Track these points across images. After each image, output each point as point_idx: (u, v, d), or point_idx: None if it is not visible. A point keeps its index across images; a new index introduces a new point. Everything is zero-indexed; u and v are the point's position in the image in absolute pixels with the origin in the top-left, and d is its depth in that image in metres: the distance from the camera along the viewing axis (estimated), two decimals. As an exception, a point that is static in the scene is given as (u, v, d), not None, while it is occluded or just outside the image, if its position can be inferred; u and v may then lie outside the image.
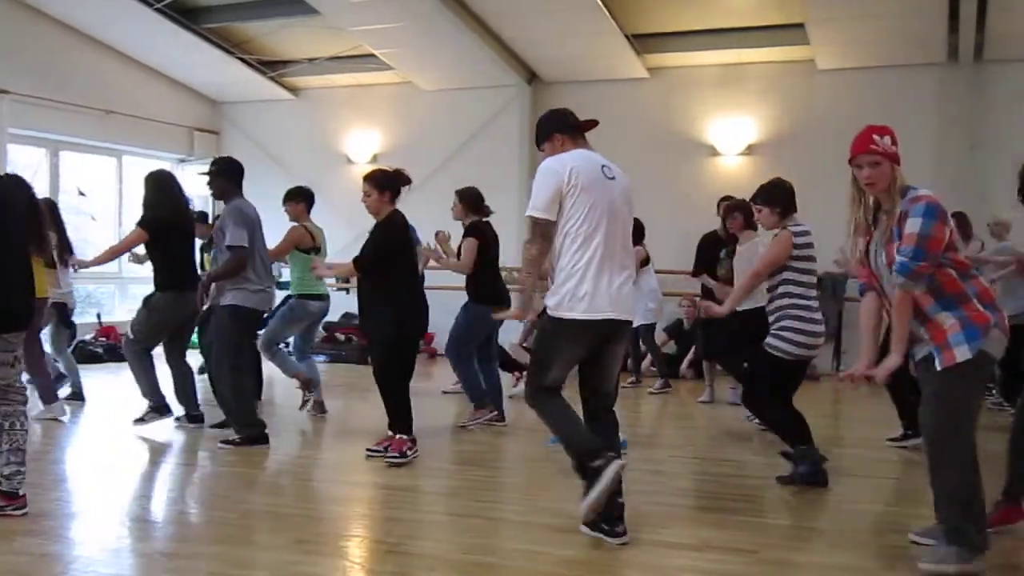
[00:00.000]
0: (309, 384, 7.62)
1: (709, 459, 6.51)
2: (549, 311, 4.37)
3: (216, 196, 6.96)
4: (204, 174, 6.82)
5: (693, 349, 10.52)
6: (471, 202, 7.41)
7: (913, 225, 3.78)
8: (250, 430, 6.53)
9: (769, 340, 5.60)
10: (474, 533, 4.60)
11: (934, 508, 3.97)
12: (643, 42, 11.96)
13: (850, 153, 3.95)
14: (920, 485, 5.64)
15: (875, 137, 3.93)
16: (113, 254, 7.45)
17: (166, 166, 14.42)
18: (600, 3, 10.73)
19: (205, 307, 6.95)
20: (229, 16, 12.38)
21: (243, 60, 13.17)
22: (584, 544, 4.34)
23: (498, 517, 4.86)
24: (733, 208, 7.34)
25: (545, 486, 5.66)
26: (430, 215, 8.72)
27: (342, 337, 12.60)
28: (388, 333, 6.05)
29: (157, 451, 6.61)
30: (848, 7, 10.15)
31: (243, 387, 6.74)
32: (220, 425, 6.88)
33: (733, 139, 12.03)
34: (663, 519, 4.77)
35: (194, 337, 10.33)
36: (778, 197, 5.76)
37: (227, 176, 6.74)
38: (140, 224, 6.87)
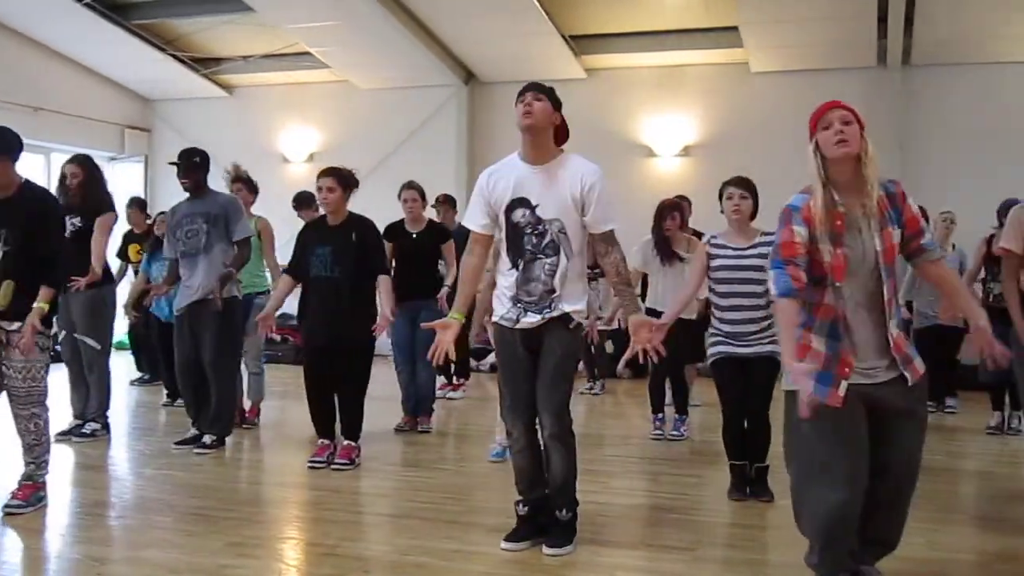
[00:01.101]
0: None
1: (647, 459, 6.55)
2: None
3: (191, 189, 6.56)
4: (181, 164, 6.54)
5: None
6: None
7: (914, 205, 3.46)
8: (227, 428, 6.57)
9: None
10: (411, 534, 4.57)
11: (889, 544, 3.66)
12: (581, 43, 12.02)
13: (813, 120, 3.47)
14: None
15: (840, 102, 3.49)
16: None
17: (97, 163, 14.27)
18: (537, 4, 10.75)
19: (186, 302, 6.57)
20: (161, 12, 12.17)
21: (175, 57, 12.95)
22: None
23: (435, 518, 4.83)
24: (671, 208, 7.01)
25: (482, 486, 5.66)
26: (367, 212, 8.63)
27: (278, 338, 12.44)
28: (371, 341, 6.07)
29: (86, 456, 6.47)
30: (780, 11, 10.31)
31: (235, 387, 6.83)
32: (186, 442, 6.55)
33: (670, 140, 12.14)
34: (601, 518, 4.78)
35: (124, 339, 10.19)
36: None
37: (207, 170, 6.64)
38: (110, 209, 6.80)
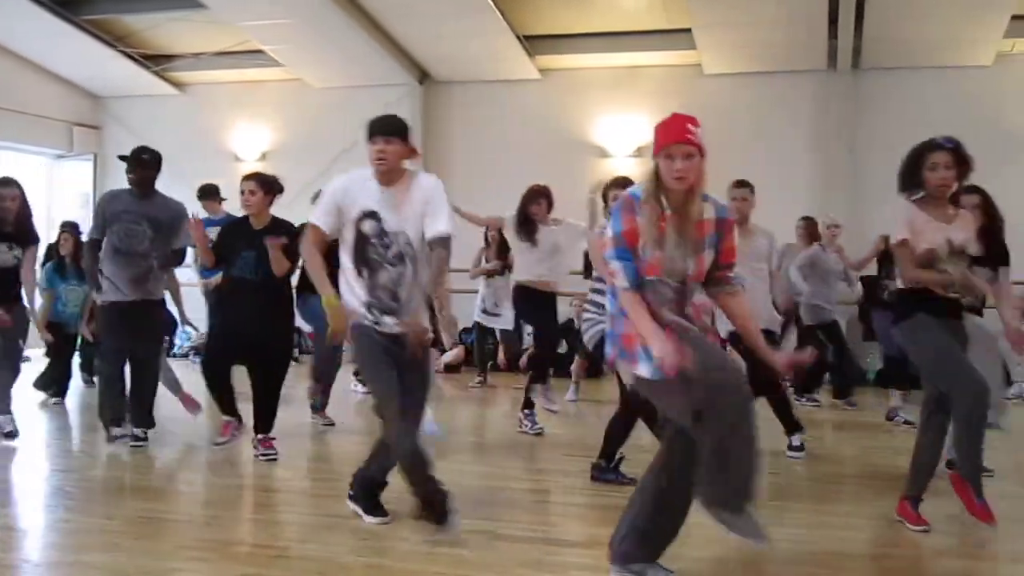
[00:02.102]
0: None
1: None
2: None
3: (139, 186, 6.42)
4: (132, 161, 6.43)
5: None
6: None
7: (736, 241, 3.67)
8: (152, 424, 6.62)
9: None
10: (364, 534, 4.54)
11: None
12: (535, 44, 12.04)
13: (659, 142, 3.54)
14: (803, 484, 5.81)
15: (690, 127, 3.52)
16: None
17: (44, 161, 14.05)
18: (492, 4, 10.75)
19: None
20: (111, 8, 12.01)
21: (126, 54, 12.77)
22: (478, 543, 4.34)
23: (390, 519, 4.80)
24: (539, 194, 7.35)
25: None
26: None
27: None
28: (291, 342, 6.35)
29: (31, 458, 6.35)
30: (732, 14, 10.39)
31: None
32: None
33: (623, 141, 12.20)
34: (555, 517, 4.79)
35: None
36: None
37: (158, 170, 6.54)
38: (37, 240, 6.79)
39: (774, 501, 5.02)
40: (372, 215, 4.47)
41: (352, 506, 4.75)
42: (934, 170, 4.54)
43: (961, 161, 4.53)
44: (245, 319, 6.08)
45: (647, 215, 3.51)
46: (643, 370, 3.52)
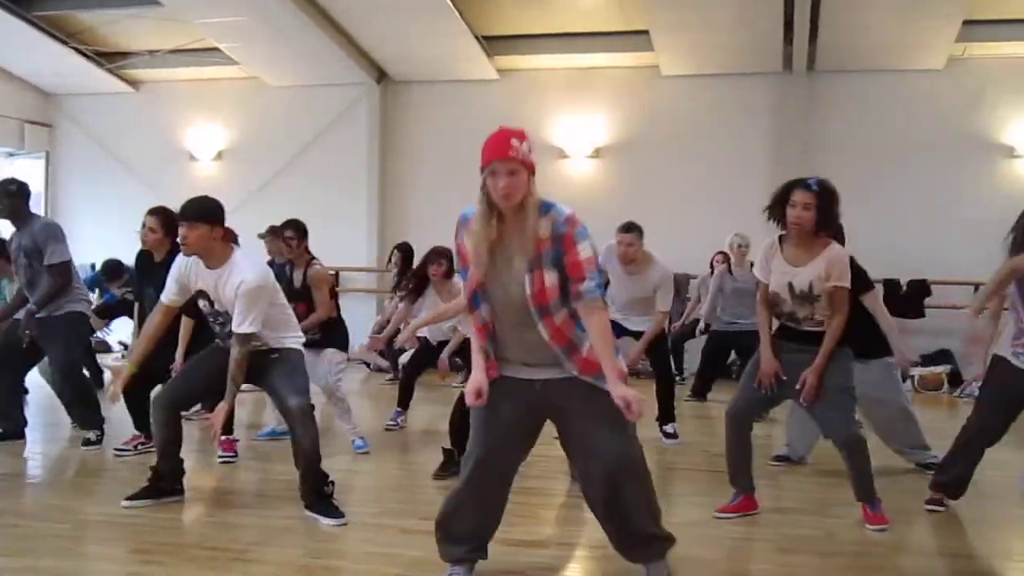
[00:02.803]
0: None
1: (553, 457, 6.57)
2: None
3: (9, 216, 6.40)
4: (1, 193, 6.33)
5: None
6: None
7: (586, 249, 3.41)
8: (101, 423, 6.62)
9: None
10: (323, 536, 4.53)
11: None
12: (493, 44, 12.04)
13: (484, 158, 3.48)
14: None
15: (513, 142, 3.46)
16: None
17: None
18: (450, 3, 10.74)
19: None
20: (64, 4, 11.81)
21: (79, 51, 12.59)
22: (435, 546, 4.33)
23: (349, 520, 4.79)
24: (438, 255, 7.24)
25: (395, 488, 5.64)
26: (276, 212, 8.50)
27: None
28: None
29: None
30: (689, 16, 10.46)
31: (91, 387, 7.00)
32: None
33: (581, 142, 12.23)
34: (513, 517, 4.79)
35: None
36: None
37: (23, 197, 6.46)
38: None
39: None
40: (203, 294, 4.93)
41: (310, 514, 4.78)
42: (792, 207, 4.56)
43: (823, 206, 4.52)
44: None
45: (476, 234, 3.46)
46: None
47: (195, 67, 12.95)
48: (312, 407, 4.98)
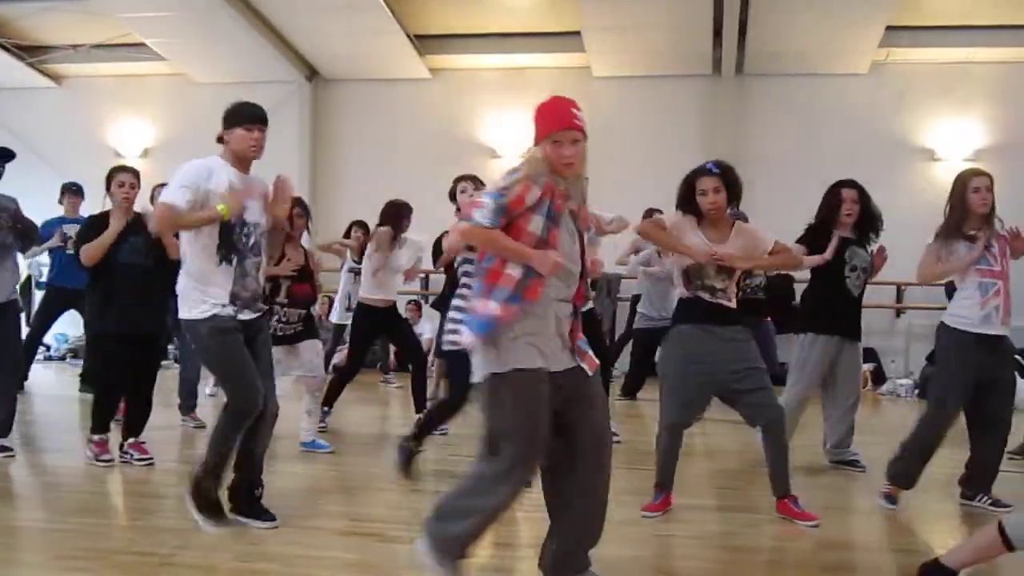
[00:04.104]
0: None
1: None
2: None
3: None
4: None
5: None
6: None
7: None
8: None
9: None
10: (252, 539, 4.46)
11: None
12: (426, 43, 12.02)
13: (546, 127, 3.45)
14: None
15: (574, 111, 3.45)
16: None
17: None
18: (383, 2, 10.68)
19: None
20: (-19, -4, 11.53)
21: (-1, 44, 12.29)
22: (368, 547, 4.31)
23: (278, 523, 4.73)
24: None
25: (328, 490, 5.58)
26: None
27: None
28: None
29: None
30: (620, 18, 10.56)
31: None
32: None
33: (513, 141, 12.25)
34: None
35: None
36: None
37: None
38: None
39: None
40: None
41: (238, 519, 4.68)
42: (704, 195, 4.77)
43: (730, 184, 4.75)
44: (140, 311, 5.89)
45: (547, 184, 3.36)
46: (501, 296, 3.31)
47: (120, 62, 12.73)
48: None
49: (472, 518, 3.41)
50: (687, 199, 4.86)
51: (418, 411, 7.20)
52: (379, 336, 7.98)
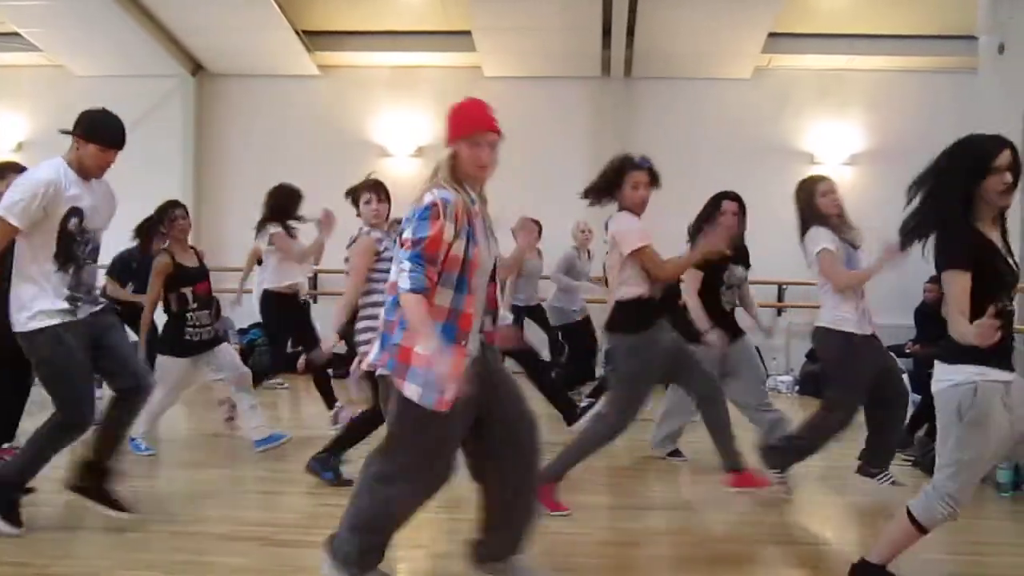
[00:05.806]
0: None
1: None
2: None
3: None
4: None
5: None
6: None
7: None
8: None
9: None
10: (134, 546, 4.33)
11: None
12: (314, 39, 11.85)
13: (465, 127, 3.42)
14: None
15: (492, 114, 3.47)
16: None
17: None
18: (270, -4, 10.52)
19: None
20: None
21: None
22: (255, 552, 4.25)
23: (159, 529, 4.60)
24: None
25: (212, 494, 5.46)
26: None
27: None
28: None
29: None
30: (510, 19, 10.61)
31: None
32: None
33: (404, 140, 12.21)
34: (334, 520, 4.72)
35: None
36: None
37: None
38: None
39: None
40: (76, 212, 4.38)
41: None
42: (636, 188, 4.97)
43: (654, 180, 5.01)
44: None
45: (456, 210, 3.30)
46: (412, 392, 3.27)
47: (-8, 53, 12.18)
48: None
49: (372, 525, 3.51)
50: (611, 187, 5.02)
51: (329, 407, 7.44)
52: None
